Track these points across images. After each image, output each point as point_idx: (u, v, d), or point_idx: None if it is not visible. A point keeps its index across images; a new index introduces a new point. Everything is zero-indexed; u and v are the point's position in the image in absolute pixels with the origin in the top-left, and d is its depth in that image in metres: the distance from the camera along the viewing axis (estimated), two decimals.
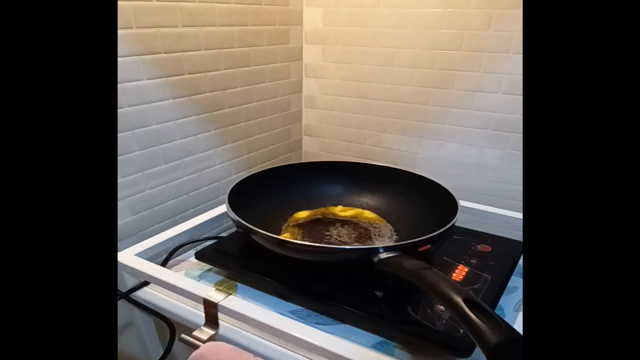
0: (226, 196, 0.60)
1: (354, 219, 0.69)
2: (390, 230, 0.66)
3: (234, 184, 0.63)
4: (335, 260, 0.51)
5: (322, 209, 0.72)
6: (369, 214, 0.70)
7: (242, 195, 0.62)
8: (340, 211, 0.71)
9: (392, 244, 0.46)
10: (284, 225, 0.68)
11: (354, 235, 0.64)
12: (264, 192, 0.69)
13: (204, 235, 0.70)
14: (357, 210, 0.71)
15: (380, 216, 0.70)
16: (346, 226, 0.67)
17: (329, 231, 0.65)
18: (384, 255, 0.46)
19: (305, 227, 0.67)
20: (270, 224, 0.66)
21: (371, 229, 0.66)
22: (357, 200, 0.74)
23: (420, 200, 0.67)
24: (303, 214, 0.70)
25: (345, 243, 0.62)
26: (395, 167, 0.73)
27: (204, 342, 0.46)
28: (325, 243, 0.61)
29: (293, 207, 0.71)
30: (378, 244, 0.62)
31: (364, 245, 0.62)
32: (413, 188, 0.68)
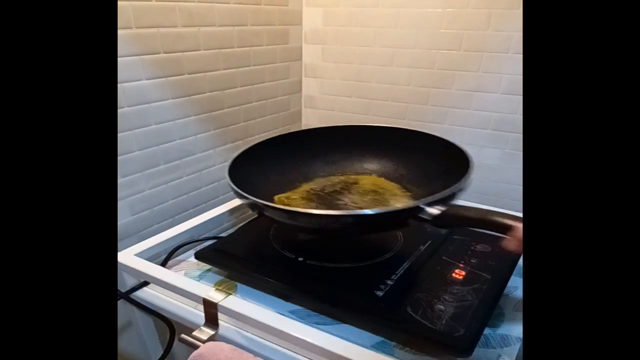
0: (226, 170, 0.57)
1: (357, 184, 0.67)
2: (399, 189, 0.65)
3: (232, 158, 0.61)
4: (378, 224, 0.50)
5: (320, 179, 0.70)
6: (367, 178, 0.69)
7: (242, 169, 0.60)
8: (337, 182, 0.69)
9: (430, 198, 0.46)
10: (286, 199, 0.65)
11: (368, 198, 0.62)
12: (263, 165, 0.66)
13: (204, 235, 0.70)
14: (354, 177, 0.70)
15: (384, 178, 0.69)
16: (354, 191, 0.65)
17: (340, 200, 0.64)
18: (433, 211, 0.46)
19: (313, 199, 0.64)
20: (273, 197, 0.64)
21: (379, 190, 0.65)
22: (357, 165, 0.72)
23: (421, 157, 0.66)
24: (306, 186, 0.68)
25: (364, 208, 0.59)
26: (396, 127, 0.71)
27: (203, 342, 0.46)
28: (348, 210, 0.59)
29: (293, 179, 0.69)
30: (397, 203, 0.61)
31: (386, 206, 0.60)
32: (415, 146, 0.67)
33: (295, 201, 0.64)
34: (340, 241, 0.63)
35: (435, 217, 0.46)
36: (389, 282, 0.52)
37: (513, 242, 0.41)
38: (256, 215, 0.75)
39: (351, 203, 0.62)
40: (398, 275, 0.53)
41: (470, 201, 0.73)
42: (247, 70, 0.78)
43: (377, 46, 0.82)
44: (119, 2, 0.55)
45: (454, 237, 0.63)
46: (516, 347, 0.47)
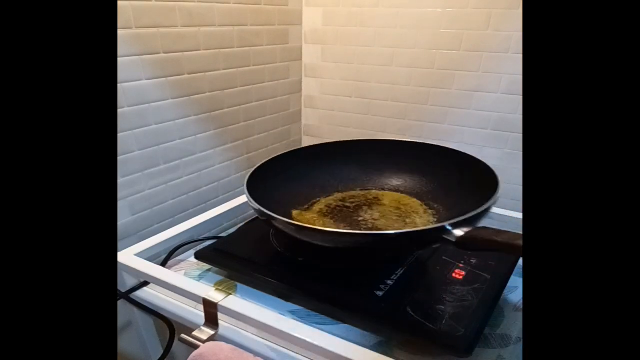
0: (245, 188, 0.56)
1: (378, 200, 0.66)
2: (422, 206, 0.63)
3: (248, 174, 0.59)
4: (405, 245, 0.48)
5: (338, 194, 0.68)
6: (390, 195, 0.68)
7: (258, 186, 0.58)
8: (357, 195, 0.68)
9: (458, 219, 0.44)
10: (305, 215, 0.64)
11: (389, 216, 0.60)
12: (279, 180, 0.64)
13: (204, 235, 0.70)
14: (374, 192, 0.69)
15: (405, 194, 0.67)
16: (375, 208, 0.64)
17: (360, 216, 0.62)
18: (458, 232, 0.43)
19: (331, 216, 0.63)
20: (290, 214, 0.63)
21: (401, 207, 0.63)
22: (377, 180, 0.70)
23: (445, 173, 0.64)
24: (324, 201, 0.67)
25: (385, 226, 0.58)
26: (418, 142, 0.69)
27: (203, 342, 0.46)
28: (365, 229, 0.58)
29: (311, 194, 0.68)
30: (419, 221, 0.59)
31: (408, 224, 0.58)
32: (438, 162, 0.65)
33: (312, 217, 0.63)
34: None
35: (459, 239, 0.43)
36: (389, 282, 0.52)
37: None
38: (256, 216, 0.76)
39: (371, 220, 0.61)
40: (398, 275, 0.53)
41: None
42: (247, 70, 0.78)
43: (377, 46, 0.82)
44: (119, 2, 0.55)
45: None
46: (516, 347, 0.47)
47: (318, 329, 0.44)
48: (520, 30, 0.69)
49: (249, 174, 0.59)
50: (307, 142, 1.00)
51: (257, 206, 0.51)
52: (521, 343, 0.48)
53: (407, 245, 0.49)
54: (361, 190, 0.70)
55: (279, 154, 0.67)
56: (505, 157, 0.78)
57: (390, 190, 0.69)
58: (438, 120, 0.82)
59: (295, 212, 0.64)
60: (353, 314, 0.49)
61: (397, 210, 0.63)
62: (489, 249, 0.43)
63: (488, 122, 0.77)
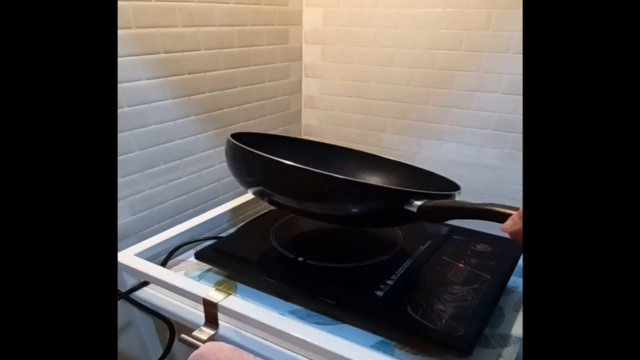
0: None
1: None
2: None
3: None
4: (363, 201, 0.50)
5: None
6: None
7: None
8: None
9: (423, 191, 0.47)
10: None
11: None
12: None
13: (204, 235, 0.70)
14: None
15: None
16: None
17: None
18: (419, 202, 0.47)
19: None
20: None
21: None
22: None
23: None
24: None
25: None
26: (394, 159, 0.71)
27: (203, 342, 0.46)
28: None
29: None
30: None
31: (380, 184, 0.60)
32: (410, 179, 0.68)
33: None
34: (342, 240, 0.63)
35: (419, 208, 0.46)
36: (389, 282, 0.52)
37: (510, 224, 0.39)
38: (256, 216, 0.76)
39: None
40: (398, 275, 0.53)
41: (470, 201, 0.73)
42: (247, 70, 0.78)
43: (377, 46, 0.82)
44: (119, 2, 0.55)
45: (454, 237, 0.63)
46: (516, 347, 0.47)
47: (318, 329, 0.44)
48: (520, 30, 0.69)
49: (232, 135, 0.59)
50: None
51: (248, 149, 0.52)
52: (521, 343, 0.48)
53: (369, 201, 0.50)
54: None
55: (271, 133, 0.68)
56: (505, 157, 0.78)
57: None
58: (438, 120, 0.82)
59: None
60: (353, 314, 0.49)
61: None
62: (451, 216, 0.46)
63: (488, 122, 0.77)
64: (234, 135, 0.58)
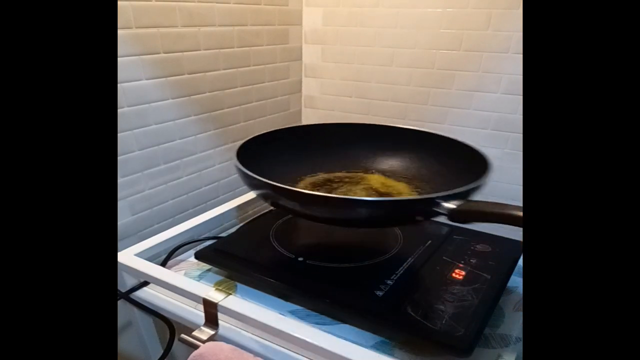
0: (235, 153, 0.55)
1: (363, 181, 0.65)
2: (407, 188, 0.62)
3: (239, 144, 0.59)
4: (389, 216, 0.47)
5: (323, 174, 0.68)
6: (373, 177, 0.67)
7: (248, 157, 0.56)
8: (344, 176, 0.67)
9: (449, 192, 0.44)
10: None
11: (374, 195, 0.60)
12: (266, 155, 0.63)
13: (204, 235, 0.70)
14: (360, 174, 0.68)
15: (391, 178, 0.66)
16: (359, 187, 0.63)
17: (345, 194, 0.61)
18: (449, 205, 0.43)
19: (317, 190, 0.62)
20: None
21: (384, 188, 0.63)
22: (362, 163, 0.69)
23: (435, 158, 0.63)
24: (309, 179, 0.66)
25: None
26: (407, 127, 0.68)
27: (203, 342, 0.46)
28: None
29: (295, 172, 0.66)
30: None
31: (406, 197, 0.57)
32: (428, 147, 0.65)
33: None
34: (342, 240, 0.62)
35: (452, 211, 0.43)
36: (389, 282, 0.52)
37: None
38: (256, 216, 0.76)
39: (353, 195, 0.60)
40: (398, 275, 0.53)
41: None
42: (247, 70, 0.78)
43: (377, 46, 0.82)
44: (119, 2, 0.55)
45: (454, 237, 0.63)
46: (516, 347, 0.47)
47: (318, 329, 0.44)
48: (520, 30, 0.69)
49: (240, 144, 0.58)
50: None
51: (250, 173, 0.50)
52: (521, 343, 0.48)
53: (399, 216, 0.48)
54: (347, 172, 0.69)
55: (273, 129, 0.66)
56: (505, 157, 0.78)
57: (378, 173, 0.68)
58: (438, 120, 0.82)
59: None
60: (353, 314, 0.49)
61: (380, 190, 0.62)
62: (481, 219, 0.43)
63: (488, 122, 0.77)
64: (240, 150, 0.57)
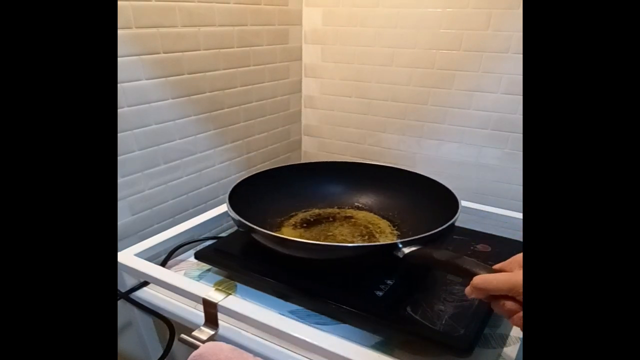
0: (227, 196, 0.60)
1: (352, 218, 0.69)
2: (390, 227, 0.66)
3: (234, 184, 0.64)
4: (356, 257, 0.51)
5: (317, 210, 0.72)
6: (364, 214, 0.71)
7: (242, 195, 0.62)
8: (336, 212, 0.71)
9: (409, 238, 0.47)
10: (283, 225, 0.67)
11: (357, 234, 0.64)
12: (263, 192, 0.69)
13: (204, 235, 0.70)
14: (350, 211, 0.72)
15: (377, 215, 0.70)
16: (345, 225, 0.67)
17: (330, 231, 0.65)
18: (406, 250, 0.46)
19: (306, 227, 0.67)
20: (268, 223, 0.66)
21: (370, 226, 0.66)
22: (354, 199, 0.74)
23: (417, 198, 0.67)
24: (301, 215, 0.70)
25: (351, 242, 0.62)
26: (395, 167, 0.72)
27: (203, 342, 0.46)
28: (332, 242, 0.61)
29: (291, 208, 0.71)
30: (382, 240, 0.62)
31: (372, 242, 0.61)
32: (412, 187, 0.68)
33: (286, 229, 0.66)
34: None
35: (407, 256, 0.46)
36: (389, 282, 0.52)
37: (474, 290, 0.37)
38: None
39: (340, 235, 0.64)
40: (398, 275, 0.53)
41: (471, 201, 0.73)
42: (247, 70, 0.78)
43: (377, 46, 0.82)
44: (119, 2, 0.55)
45: (454, 237, 0.63)
46: (516, 347, 0.47)
47: (318, 329, 0.44)
48: (520, 30, 0.69)
49: (230, 189, 0.62)
50: (306, 142, 1.00)
51: (238, 218, 0.55)
52: (521, 343, 0.48)
53: (360, 258, 0.51)
54: (338, 207, 0.73)
55: (259, 171, 0.70)
56: (505, 157, 0.78)
57: (365, 210, 0.72)
58: (438, 120, 0.82)
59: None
60: (353, 314, 0.49)
61: (366, 229, 0.66)
62: (431, 265, 0.48)
63: (488, 122, 0.77)
64: (233, 194, 0.61)
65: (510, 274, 0.35)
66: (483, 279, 0.36)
